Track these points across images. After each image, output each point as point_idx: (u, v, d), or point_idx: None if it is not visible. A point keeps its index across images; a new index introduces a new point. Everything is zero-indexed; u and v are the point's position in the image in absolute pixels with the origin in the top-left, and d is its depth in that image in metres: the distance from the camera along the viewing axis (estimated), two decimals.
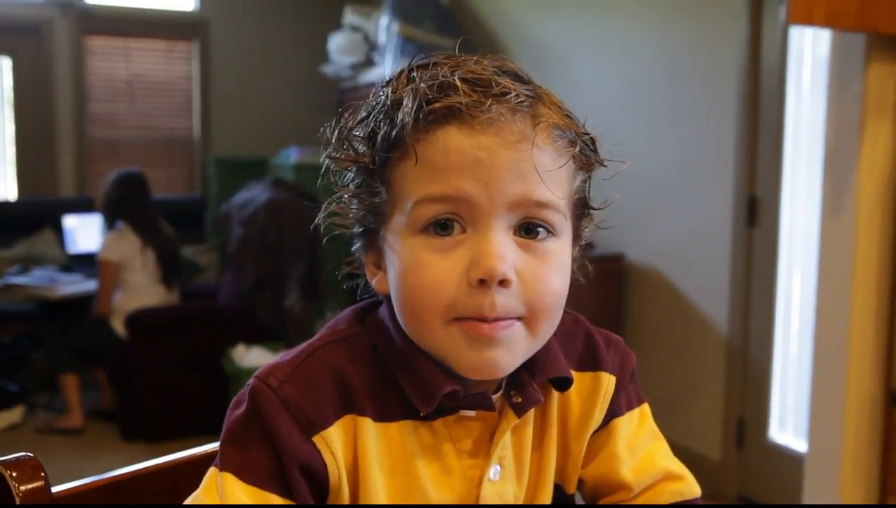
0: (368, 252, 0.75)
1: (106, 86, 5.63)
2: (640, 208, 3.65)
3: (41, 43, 5.37)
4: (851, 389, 2.34)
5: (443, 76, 0.68)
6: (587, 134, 0.72)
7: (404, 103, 0.68)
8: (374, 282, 0.75)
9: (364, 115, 0.73)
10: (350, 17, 5.20)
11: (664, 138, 3.57)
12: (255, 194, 4.23)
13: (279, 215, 3.97)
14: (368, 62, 5.12)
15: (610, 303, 3.74)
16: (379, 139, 0.69)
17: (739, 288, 3.29)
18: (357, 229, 0.75)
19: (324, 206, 0.76)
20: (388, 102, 0.70)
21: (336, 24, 5.39)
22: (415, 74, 0.70)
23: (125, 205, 4.11)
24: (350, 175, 0.74)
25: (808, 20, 2.12)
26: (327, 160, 0.74)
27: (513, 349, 0.70)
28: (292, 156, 5.18)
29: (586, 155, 0.72)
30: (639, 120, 3.69)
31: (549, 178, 0.68)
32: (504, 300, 0.67)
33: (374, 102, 0.72)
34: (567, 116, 0.71)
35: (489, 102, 0.66)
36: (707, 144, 3.40)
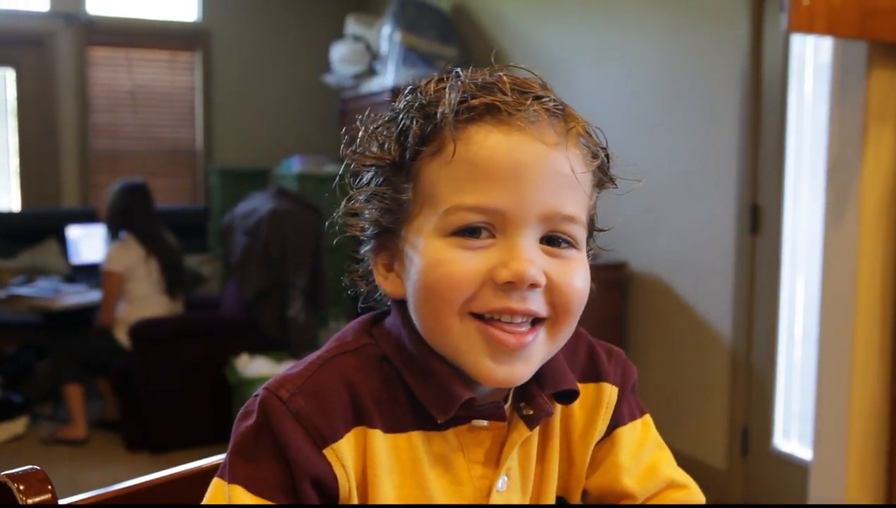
0: (379, 253, 0.75)
1: (109, 96, 5.64)
2: (642, 217, 3.65)
3: (44, 54, 5.39)
4: (856, 396, 2.34)
5: (485, 77, 0.70)
6: (605, 149, 0.74)
7: (446, 96, 0.69)
8: (384, 284, 0.75)
9: (392, 115, 0.73)
10: (352, 26, 5.21)
11: (666, 146, 3.58)
12: (258, 203, 4.24)
13: (282, 224, 3.98)
14: (371, 71, 5.13)
15: (613, 311, 3.74)
16: (412, 134, 0.70)
17: (743, 296, 3.29)
18: (370, 231, 0.75)
19: (342, 203, 0.76)
20: (425, 100, 0.71)
21: (338, 34, 5.41)
22: (460, 72, 0.72)
23: (129, 216, 4.12)
24: (368, 176, 0.74)
25: (810, 28, 2.12)
26: (347, 159, 0.75)
27: (532, 359, 0.71)
28: (295, 166, 5.18)
29: (603, 171, 0.74)
30: (641, 128, 3.70)
31: (578, 185, 0.70)
32: (532, 298, 0.69)
33: (403, 104, 0.73)
34: (588, 128, 0.73)
35: (529, 102, 0.68)
36: (709, 151, 3.40)
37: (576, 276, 0.71)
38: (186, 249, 4.67)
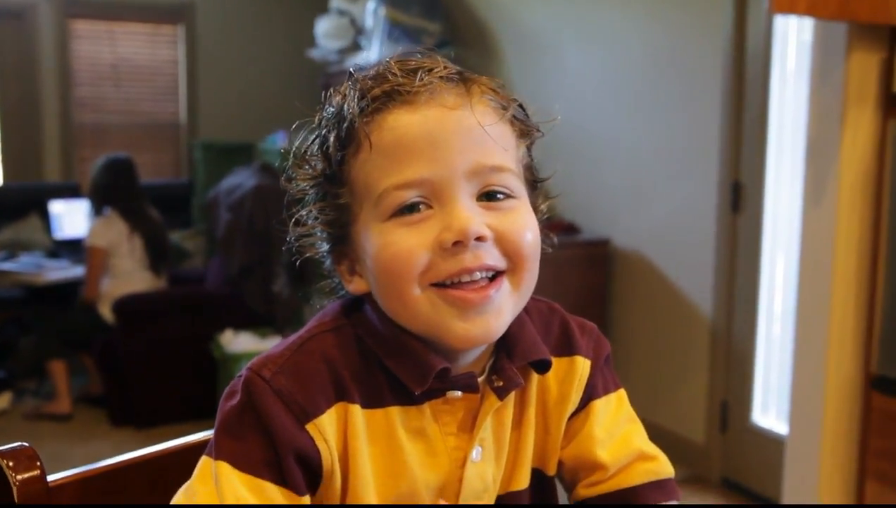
0: (341, 262, 0.79)
1: (91, 70, 5.59)
2: (625, 194, 3.67)
3: (25, 27, 5.33)
4: (831, 373, 2.38)
5: (376, 69, 0.75)
6: (515, 100, 0.77)
7: (348, 98, 0.74)
8: (351, 288, 0.79)
9: (312, 137, 0.78)
10: (337, 1, 5.18)
11: (649, 124, 3.59)
12: (242, 179, 4.23)
13: (266, 200, 3.98)
14: (355, 47, 5.11)
15: (595, 287, 3.77)
16: (331, 142, 0.74)
17: (724, 273, 3.32)
18: (325, 247, 0.79)
19: (291, 228, 0.79)
20: (332, 111, 0.75)
21: (323, 9, 5.37)
22: (353, 72, 0.76)
23: (113, 191, 4.10)
24: (310, 196, 0.78)
25: (791, 9, 2.14)
26: (288, 192, 0.79)
27: (503, 312, 0.74)
28: (279, 141, 5.17)
29: (520, 120, 0.77)
30: (624, 106, 3.71)
31: (495, 136, 0.73)
32: (485, 252, 0.71)
33: (318, 121, 0.77)
34: (492, 84, 0.76)
35: (420, 74, 0.72)
36: (692, 130, 3.42)
37: (520, 222, 0.74)
38: (170, 224, 4.66)
